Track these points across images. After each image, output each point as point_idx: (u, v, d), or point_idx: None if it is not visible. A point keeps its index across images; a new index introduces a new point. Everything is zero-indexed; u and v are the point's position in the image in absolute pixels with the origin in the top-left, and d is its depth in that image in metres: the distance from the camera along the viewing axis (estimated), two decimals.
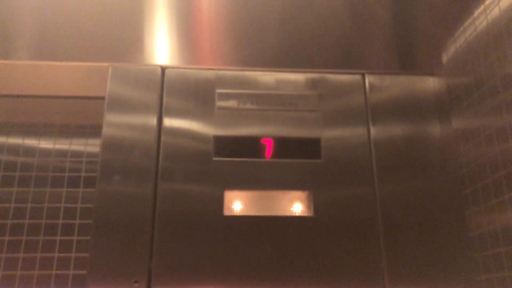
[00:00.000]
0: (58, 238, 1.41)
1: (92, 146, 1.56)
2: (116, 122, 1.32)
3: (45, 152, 1.54)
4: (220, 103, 1.37)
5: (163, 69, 1.39)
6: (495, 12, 1.09)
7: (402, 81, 1.43)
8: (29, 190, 1.47)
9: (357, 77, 1.43)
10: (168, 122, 1.33)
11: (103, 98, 1.35)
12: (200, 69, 1.40)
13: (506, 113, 1.04)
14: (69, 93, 1.48)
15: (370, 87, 1.41)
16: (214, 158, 1.30)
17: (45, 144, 1.56)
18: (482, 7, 1.15)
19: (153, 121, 1.33)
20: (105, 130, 1.31)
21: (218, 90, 1.38)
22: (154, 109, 1.34)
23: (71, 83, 1.45)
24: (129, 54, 1.41)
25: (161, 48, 1.44)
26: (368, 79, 1.42)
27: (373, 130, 1.37)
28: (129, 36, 1.43)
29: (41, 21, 1.44)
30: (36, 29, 1.43)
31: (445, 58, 1.36)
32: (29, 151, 1.55)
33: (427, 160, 1.34)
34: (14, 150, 1.55)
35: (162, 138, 1.32)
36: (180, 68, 1.40)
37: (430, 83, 1.42)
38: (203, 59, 1.45)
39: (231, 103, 1.37)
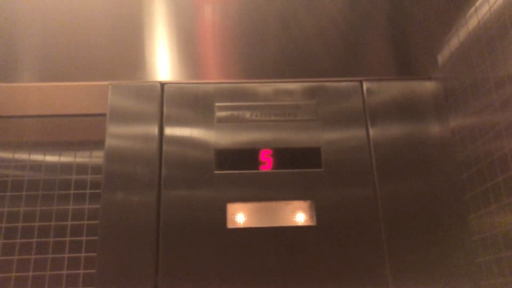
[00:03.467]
0: (66, 255, 1.43)
1: (96, 158, 1.57)
2: (118, 134, 1.34)
3: (51, 167, 1.56)
4: (219, 116, 1.38)
5: (162, 84, 1.41)
6: (486, 15, 1.09)
7: (399, 86, 1.43)
8: (36, 209, 1.50)
9: (355, 84, 1.44)
10: (169, 135, 1.35)
11: (104, 114, 1.37)
12: (199, 83, 1.42)
13: (501, 113, 1.04)
14: (71, 111, 1.50)
15: (368, 94, 1.42)
16: (216, 172, 1.31)
17: (51, 159, 1.58)
18: (473, 9, 1.16)
19: (154, 132, 1.35)
20: (108, 142, 1.34)
21: (217, 103, 1.39)
22: (154, 122, 1.36)
23: (73, 102, 1.47)
24: (128, 72, 1.43)
25: (160, 64, 1.46)
26: (365, 86, 1.43)
27: (372, 136, 1.37)
28: (128, 55, 1.45)
29: (43, 44, 1.47)
30: (39, 52, 1.46)
31: (440, 61, 1.36)
32: (35, 167, 1.57)
33: (427, 163, 1.35)
34: (21, 166, 1.57)
35: (164, 152, 1.33)
36: (179, 83, 1.42)
37: (428, 87, 1.43)
38: (202, 73, 1.47)
39: (230, 115, 1.38)
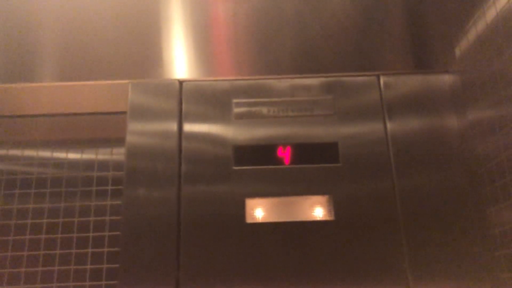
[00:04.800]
0: (90, 250, 1.47)
1: (117, 155, 1.60)
2: (138, 131, 1.37)
3: (73, 165, 1.60)
4: (237, 112, 1.40)
5: (181, 82, 1.43)
6: (505, 5, 1.08)
7: (417, 80, 1.43)
8: (59, 205, 1.54)
9: (372, 78, 1.44)
10: (189, 132, 1.37)
11: (125, 112, 1.40)
12: (216, 80, 1.44)
13: None
14: (93, 110, 1.53)
15: (385, 88, 1.42)
16: (234, 167, 1.33)
17: (73, 156, 1.62)
18: (491, 1, 1.15)
19: (174, 129, 1.37)
20: (129, 139, 1.37)
21: (235, 100, 1.41)
22: (174, 119, 1.38)
23: (94, 100, 1.50)
24: (147, 70, 1.45)
25: (179, 62, 1.48)
26: (383, 80, 1.43)
27: (390, 130, 1.37)
28: (146, 54, 1.47)
29: (64, 45, 1.50)
30: (60, 52, 1.50)
31: (458, 54, 1.35)
32: (58, 165, 1.61)
33: (446, 158, 1.34)
34: (44, 164, 1.61)
35: (183, 148, 1.36)
36: (197, 80, 1.44)
37: (446, 80, 1.42)
38: (219, 70, 1.48)
39: (248, 112, 1.40)
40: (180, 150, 1.36)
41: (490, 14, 1.16)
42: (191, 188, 1.32)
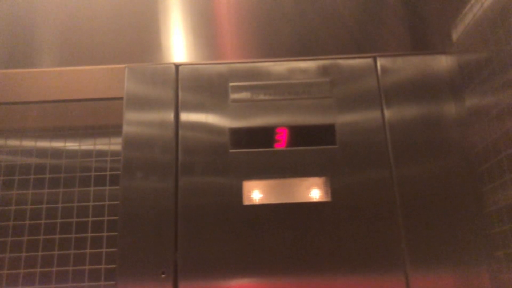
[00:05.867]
0: (89, 235, 1.48)
1: (115, 145, 1.61)
2: (135, 120, 1.37)
3: (72, 154, 1.60)
4: (233, 96, 1.40)
5: (177, 66, 1.43)
6: None
7: (414, 62, 1.42)
8: (58, 191, 1.54)
9: (369, 60, 1.43)
10: (185, 117, 1.38)
11: (121, 98, 1.40)
12: (213, 63, 1.44)
13: None
14: (89, 95, 1.53)
15: (382, 70, 1.42)
16: (231, 150, 1.34)
17: (71, 146, 1.62)
18: None
19: (170, 116, 1.37)
20: (125, 128, 1.37)
21: (231, 83, 1.41)
22: (170, 105, 1.38)
23: (90, 85, 1.51)
24: (145, 54, 1.45)
25: (175, 46, 1.48)
26: (379, 62, 1.43)
27: (387, 113, 1.37)
28: (144, 37, 1.48)
29: (60, 29, 1.50)
30: (56, 37, 1.50)
31: (455, 36, 1.35)
32: (56, 154, 1.61)
33: (443, 139, 1.34)
34: (43, 153, 1.61)
35: (180, 132, 1.36)
36: (193, 64, 1.44)
37: (443, 62, 1.41)
38: (216, 53, 1.48)
39: (245, 95, 1.40)
40: (177, 136, 1.36)
41: None
42: (188, 174, 1.32)
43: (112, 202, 1.51)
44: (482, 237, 1.23)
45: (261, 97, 1.40)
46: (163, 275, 1.23)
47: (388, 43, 1.46)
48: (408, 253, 1.24)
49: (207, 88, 1.41)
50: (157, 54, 1.47)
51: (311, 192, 1.31)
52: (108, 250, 1.45)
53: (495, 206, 1.16)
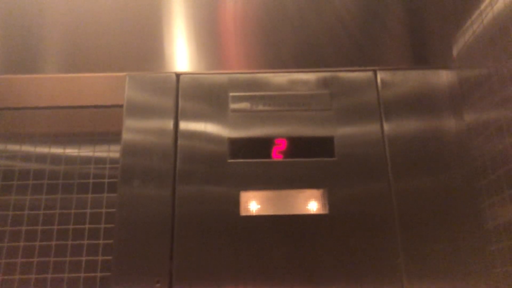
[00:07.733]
0: (85, 242, 1.48)
1: (114, 152, 1.61)
2: (134, 128, 1.37)
3: (71, 160, 1.61)
4: (233, 106, 1.40)
5: (178, 75, 1.43)
6: (500, 4, 1.08)
7: (414, 76, 1.42)
8: (56, 197, 1.54)
9: (369, 74, 1.44)
10: (184, 125, 1.38)
11: (122, 106, 1.41)
12: (213, 73, 1.44)
13: None
14: (90, 102, 1.54)
15: (382, 84, 1.42)
16: (229, 160, 1.33)
17: (70, 152, 1.62)
18: (488, 0, 1.15)
19: (170, 125, 1.37)
20: (125, 136, 1.37)
21: (231, 93, 1.41)
22: (170, 114, 1.38)
23: (91, 93, 1.51)
24: (146, 63, 1.46)
25: (177, 55, 1.49)
26: (380, 76, 1.43)
27: (386, 126, 1.37)
28: (145, 46, 1.48)
29: (62, 36, 1.50)
30: (57, 44, 1.50)
31: (455, 51, 1.35)
32: (56, 159, 1.61)
33: (442, 154, 1.34)
34: (41, 159, 1.62)
35: (179, 141, 1.36)
36: (194, 73, 1.44)
37: (443, 77, 1.42)
38: (217, 63, 1.48)
39: (244, 106, 1.40)
40: (176, 144, 1.36)
41: (487, 13, 1.16)
42: (186, 185, 1.31)
43: (109, 210, 1.51)
44: (480, 254, 1.23)
45: (261, 107, 1.40)
46: (157, 284, 1.22)
47: (388, 57, 1.46)
48: (405, 268, 1.23)
49: (207, 97, 1.41)
50: (158, 62, 1.47)
51: (309, 204, 1.31)
52: (103, 258, 1.45)
53: (493, 223, 1.16)
